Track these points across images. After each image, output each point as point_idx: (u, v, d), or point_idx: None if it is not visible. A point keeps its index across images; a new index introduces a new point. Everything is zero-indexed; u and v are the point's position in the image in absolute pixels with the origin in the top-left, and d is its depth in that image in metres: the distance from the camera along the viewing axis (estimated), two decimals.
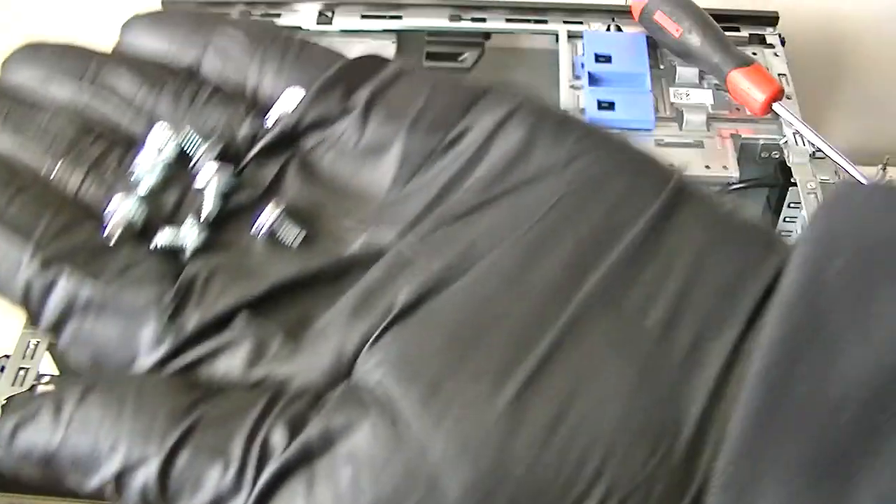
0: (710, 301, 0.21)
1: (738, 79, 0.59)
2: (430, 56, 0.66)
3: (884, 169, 0.60)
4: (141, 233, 0.25)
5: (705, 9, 0.62)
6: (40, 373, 0.48)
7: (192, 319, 0.23)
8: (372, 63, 0.27)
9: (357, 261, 0.24)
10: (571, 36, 0.66)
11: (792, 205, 0.59)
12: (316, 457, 0.20)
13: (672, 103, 0.62)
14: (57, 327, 0.24)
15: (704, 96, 0.62)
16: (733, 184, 0.57)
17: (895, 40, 0.75)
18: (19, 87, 0.27)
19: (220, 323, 0.23)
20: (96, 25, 0.75)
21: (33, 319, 0.24)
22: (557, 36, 0.66)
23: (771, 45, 0.65)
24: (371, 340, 0.22)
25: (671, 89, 0.63)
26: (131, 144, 0.26)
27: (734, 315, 0.21)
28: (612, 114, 0.59)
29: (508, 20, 0.67)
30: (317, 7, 0.67)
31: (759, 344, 0.20)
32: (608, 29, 0.67)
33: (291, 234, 0.24)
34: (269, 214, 0.24)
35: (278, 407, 0.21)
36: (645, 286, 0.21)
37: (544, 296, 0.21)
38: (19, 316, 0.48)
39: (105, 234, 0.24)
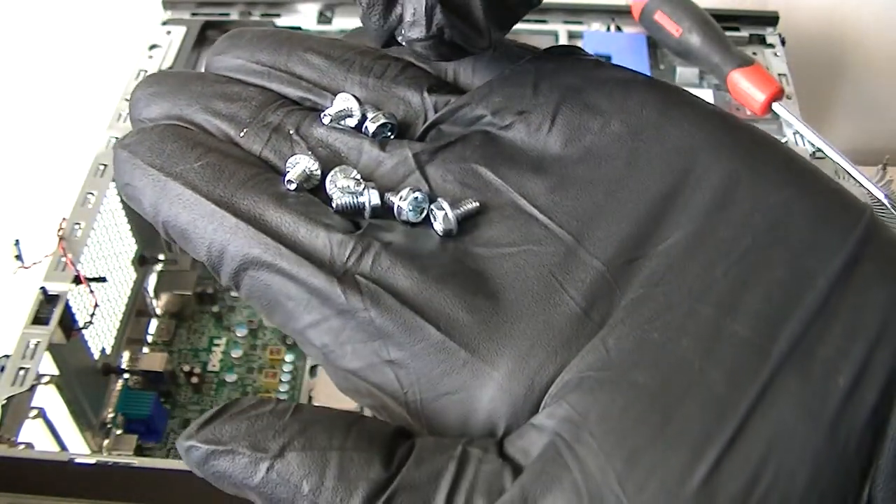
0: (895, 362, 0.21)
1: (738, 79, 0.59)
2: None
3: (884, 169, 0.60)
4: (317, 194, 0.26)
5: (705, 9, 0.62)
6: (40, 373, 0.48)
7: (365, 284, 0.23)
8: (564, 54, 0.28)
9: (537, 241, 0.24)
10: (571, 36, 0.66)
11: None
12: None
13: None
14: (235, 280, 0.25)
15: (704, 96, 0.62)
16: None
17: (895, 40, 0.75)
18: (222, 74, 0.29)
19: (395, 293, 0.23)
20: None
21: (215, 274, 0.25)
22: (557, 36, 0.66)
23: (771, 45, 0.65)
24: (564, 378, 0.22)
25: None
26: (315, 113, 0.27)
27: None
28: None
29: None
30: (317, 7, 0.67)
31: None
32: (608, 29, 0.67)
33: (468, 207, 0.25)
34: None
35: (469, 472, 0.21)
36: (832, 344, 0.21)
37: (736, 358, 0.21)
38: (19, 316, 0.48)
39: (285, 184, 0.25)
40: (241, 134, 0.27)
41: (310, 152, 0.26)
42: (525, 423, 0.22)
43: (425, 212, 0.25)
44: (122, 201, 0.58)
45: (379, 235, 0.24)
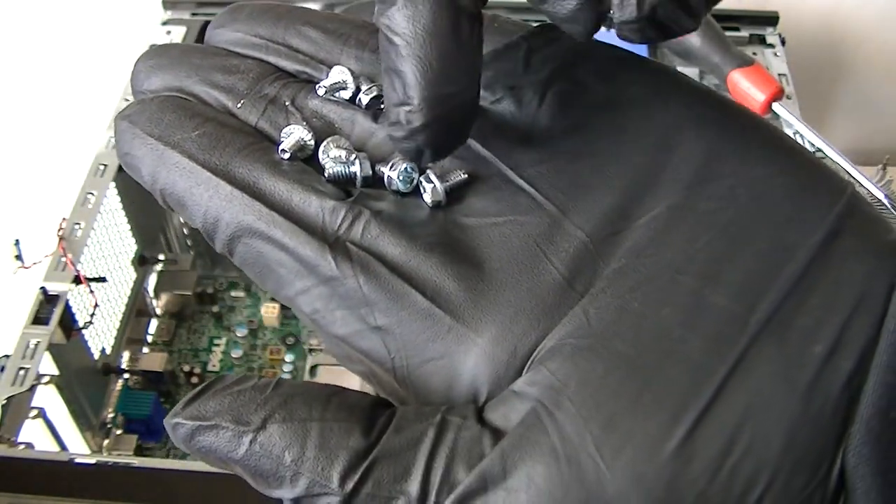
0: (873, 332, 0.21)
1: (738, 79, 0.59)
2: None
3: (884, 169, 0.60)
4: (310, 164, 0.26)
5: None
6: (40, 373, 0.48)
7: (355, 252, 0.24)
8: (556, 31, 0.28)
9: (523, 212, 0.24)
10: None
11: None
12: (493, 487, 0.21)
13: None
14: (229, 247, 0.25)
15: None
16: None
17: (895, 40, 0.75)
18: (222, 47, 0.30)
19: (384, 260, 0.24)
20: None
21: (210, 242, 0.26)
22: None
23: (771, 45, 0.65)
24: (545, 345, 0.22)
25: None
26: (311, 85, 0.28)
27: None
28: None
29: None
30: (317, 7, 0.67)
31: None
32: (608, 29, 0.67)
33: (457, 178, 0.25)
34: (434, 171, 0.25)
35: (448, 438, 0.22)
36: (810, 314, 0.22)
37: (716, 326, 0.22)
38: (19, 316, 0.48)
39: (279, 153, 0.26)
40: (238, 105, 0.27)
41: (304, 123, 0.27)
42: (506, 389, 0.22)
43: (415, 182, 0.25)
44: (122, 200, 0.58)
45: (369, 204, 0.25)
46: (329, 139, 0.26)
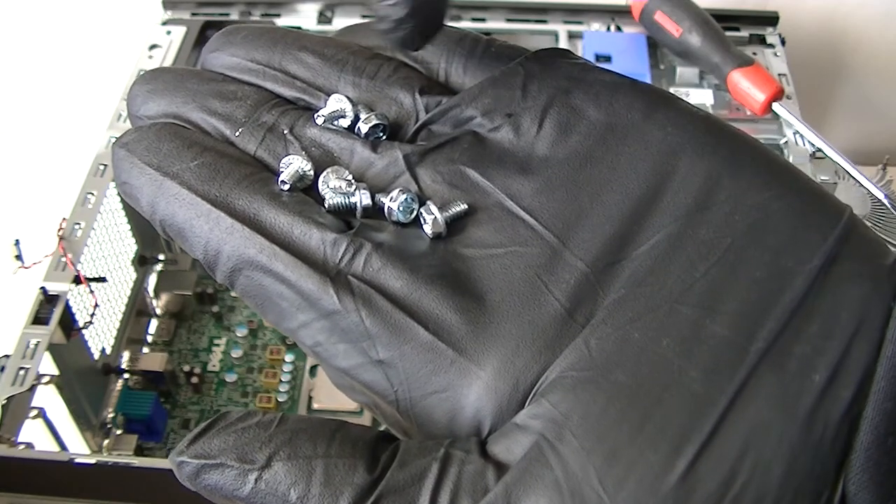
0: (871, 358, 0.22)
1: (738, 79, 0.59)
2: None
3: (884, 169, 0.60)
4: (309, 194, 0.26)
5: (705, 9, 0.62)
6: (40, 373, 0.48)
7: (357, 286, 0.24)
8: (553, 57, 0.28)
9: (523, 243, 0.24)
10: (571, 36, 0.66)
11: None
12: None
13: None
14: (230, 279, 0.25)
15: (704, 96, 0.62)
16: None
17: (895, 40, 0.75)
18: (218, 71, 0.29)
19: (386, 294, 0.24)
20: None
21: (210, 273, 0.26)
22: (557, 36, 0.66)
23: (771, 45, 0.65)
24: (547, 377, 0.22)
25: (671, 89, 0.63)
26: (309, 112, 0.28)
27: None
28: None
29: (508, 20, 0.67)
30: (317, 7, 0.67)
31: None
32: (608, 29, 0.67)
33: (457, 209, 0.25)
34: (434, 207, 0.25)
35: (452, 472, 0.22)
36: (809, 342, 0.22)
37: (715, 357, 0.22)
38: (19, 316, 0.48)
39: (279, 184, 0.26)
40: (237, 133, 0.27)
41: (303, 152, 0.27)
42: (509, 421, 0.22)
43: (415, 213, 0.25)
44: (122, 201, 0.58)
45: (370, 235, 0.25)
46: (329, 169, 0.26)
